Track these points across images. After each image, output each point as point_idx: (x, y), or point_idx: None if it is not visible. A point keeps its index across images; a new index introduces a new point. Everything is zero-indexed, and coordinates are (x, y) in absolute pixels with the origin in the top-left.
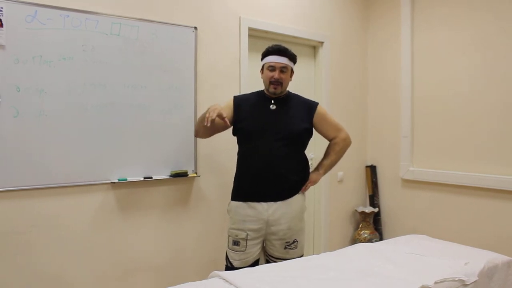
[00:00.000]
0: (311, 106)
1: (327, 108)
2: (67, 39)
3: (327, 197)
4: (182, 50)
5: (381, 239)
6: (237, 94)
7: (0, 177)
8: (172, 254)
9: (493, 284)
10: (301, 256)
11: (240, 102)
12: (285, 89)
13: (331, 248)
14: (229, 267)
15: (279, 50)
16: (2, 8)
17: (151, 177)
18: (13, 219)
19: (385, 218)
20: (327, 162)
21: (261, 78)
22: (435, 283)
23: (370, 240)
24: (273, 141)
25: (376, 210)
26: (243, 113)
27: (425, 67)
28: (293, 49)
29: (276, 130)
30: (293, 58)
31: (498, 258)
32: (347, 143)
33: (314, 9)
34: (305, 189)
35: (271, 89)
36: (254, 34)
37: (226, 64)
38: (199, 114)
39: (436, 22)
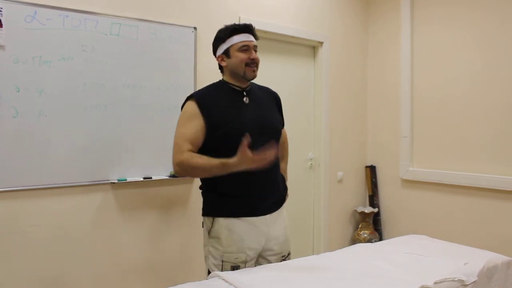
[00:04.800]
0: (275, 95)
1: (327, 108)
2: (66, 39)
3: (326, 197)
4: (182, 50)
5: (380, 239)
6: None
7: (0, 177)
8: (172, 254)
9: (493, 284)
10: None
11: (206, 103)
12: None
13: (330, 248)
14: None
15: (249, 27)
16: (1, 8)
17: (151, 177)
18: (13, 219)
19: (384, 218)
20: (285, 166)
21: (225, 65)
22: (435, 283)
23: (369, 240)
24: (260, 141)
25: (375, 210)
26: (218, 115)
27: (425, 67)
28: (293, 49)
29: (259, 128)
30: (257, 37)
31: (497, 258)
32: (287, 140)
33: (314, 9)
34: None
35: (249, 74)
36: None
37: None
38: None
39: (436, 21)
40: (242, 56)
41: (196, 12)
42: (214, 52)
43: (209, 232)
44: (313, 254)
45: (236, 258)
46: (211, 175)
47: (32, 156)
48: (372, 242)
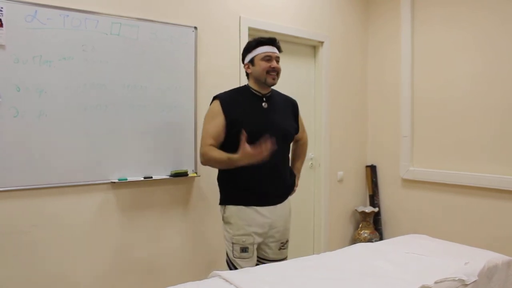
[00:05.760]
0: (294, 104)
1: (327, 108)
2: (67, 39)
3: (327, 197)
4: (182, 50)
5: (381, 239)
6: None
7: (0, 177)
8: (172, 253)
9: (493, 284)
10: (286, 255)
11: (229, 103)
12: None
13: (331, 247)
14: None
15: (273, 41)
16: (2, 8)
17: (151, 177)
18: (13, 219)
19: (385, 218)
20: (300, 165)
21: (250, 72)
22: (435, 283)
23: (370, 240)
24: (274, 142)
25: (376, 210)
26: (237, 115)
27: (425, 66)
28: (293, 49)
29: (274, 130)
30: (281, 50)
31: (498, 258)
32: (307, 143)
33: (314, 9)
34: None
35: (270, 80)
36: (254, 34)
37: (226, 64)
38: (199, 114)
39: (436, 22)
40: (264, 64)
41: (196, 12)
42: (243, 61)
43: (223, 218)
44: (313, 253)
45: (244, 241)
46: (224, 167)
47: (32, 156)
48: (372, 241)
